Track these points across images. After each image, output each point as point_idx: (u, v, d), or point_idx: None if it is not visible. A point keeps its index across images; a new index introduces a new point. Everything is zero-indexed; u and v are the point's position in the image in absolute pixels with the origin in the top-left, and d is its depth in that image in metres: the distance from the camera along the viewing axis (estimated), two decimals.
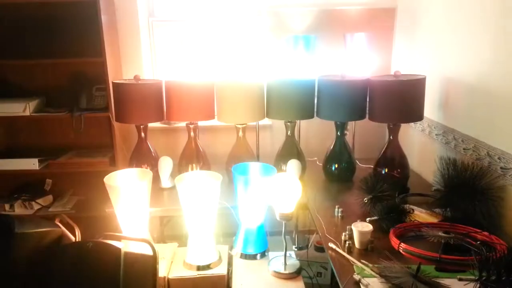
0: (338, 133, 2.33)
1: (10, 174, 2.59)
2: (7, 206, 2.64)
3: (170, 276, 1.92)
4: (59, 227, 1.85)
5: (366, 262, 1.48)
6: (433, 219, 1.80)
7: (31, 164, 2.57)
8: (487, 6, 1.79)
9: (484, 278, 1.23)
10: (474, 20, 1.89)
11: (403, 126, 2.24)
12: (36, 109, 2.60)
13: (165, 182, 2.34)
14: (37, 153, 2.67)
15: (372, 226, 1.62)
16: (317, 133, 2.76)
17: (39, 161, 2.58)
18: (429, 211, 1.89)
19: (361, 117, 2.22)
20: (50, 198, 2.74)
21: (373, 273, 1.42)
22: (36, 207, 2.66)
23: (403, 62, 2.65)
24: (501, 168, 1.72)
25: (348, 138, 2.42)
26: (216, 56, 2.87)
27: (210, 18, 2.83)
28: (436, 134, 2.27)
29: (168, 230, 2.81)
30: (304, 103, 2.24)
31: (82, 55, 2.57)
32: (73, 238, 1.88)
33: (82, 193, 2.80)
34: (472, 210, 1.73)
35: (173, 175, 2.30)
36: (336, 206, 1.93)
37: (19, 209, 2.65)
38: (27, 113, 2.52)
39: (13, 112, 2.49)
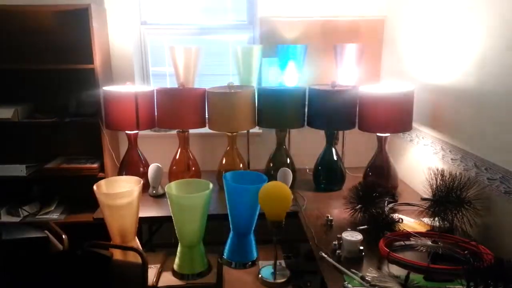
0: (328, 142, 2.35)
1: None
2: None
3: (159, 285, 1.91)
4: (47, 234, 1.83)
5: (356, 271, 1.49)
6: (421, 229, 1.82)
7: (19, 170, 2.54)
8: (474, 17, 1.84)
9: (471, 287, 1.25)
10: (462, 31, 1.93)
11: (392, 136, 2.27)
12: (25, 115, 2.58)
13: (155, 189, 2.33)
14: (25, 159, 2.64)
15: (362, 235, 1.63)
16: (307, 142, 2.78)
17: (26, 167, 2.55)
18: (418, 220, 1.92)
19: (351, 126, 2.25)
20: (37, 205, 2.70)
21: (362, 282, 1.42)
22: (23, 214, 2.62)
23: (392, 73, 2.69)
24: (488, 178, 1.75)
25: (338, 147, 2.44)
26: (209, 64, 2.88)
27: (202, 27, 2.84)
28: (424, 144, 2.30)
29: (157, 238, 2.79)
30: (294, 112, 2.26)
31: (73, 62, 2.56)
32: (60, 246, 1.85)
33: (70, 200, 2.77)
34: (460, 220, 1.75)
35: (163, 182, 2.30)
36: (326, 215, 1.94)
37: (5, 216, 2.61)
38: (16, 118, 2.49)
39: (1, 117, 2.46)
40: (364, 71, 2.70)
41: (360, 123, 2.21)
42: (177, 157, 2.41)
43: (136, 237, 1.96)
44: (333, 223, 1.91)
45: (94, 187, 1.85)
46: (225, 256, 2.00)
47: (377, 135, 2.23)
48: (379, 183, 2.12)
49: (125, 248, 1.85)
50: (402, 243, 1.65)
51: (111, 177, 1.99)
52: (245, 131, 2.56)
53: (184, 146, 2.40)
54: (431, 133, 2.23)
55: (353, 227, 1.81)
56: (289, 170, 2.25)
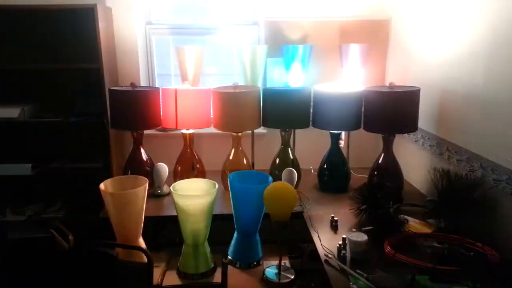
0: (333, 142, 2.35)
1: (3, 179, 2.56)
2: None
3: (164, 284, 1.91)
4: (52, 234, 1.84)
5: (361, 272, 1.49)
6: (426, 230, 1.81)
7: (24, 169, 2.55)
8: (481, 18, 1.83)
9: None
10: (468, 32, 1.93)
11: (397, 137, 2.27)
12: (31, 115, 2.59)
13: (160, 189, 2.34)
14: (31, 158, 2.65)
15: (367, 236, 1.62)
16: (312, 142, 2.77)
17: (32, 166, 2.56)
18: (423, 221, 1.91)
19: (356, 127, 2.24)
20: (42, 204, 2.71)
21: (368, 283, 1.42)
22: (28, 213, 2.63)
23: (397, 73, 2.68)
24: (494, 180, 1.74)
25: (343, 147, 2.43)
26: (211, 64, 2.88)
27: (207, 27, 2.84)
28: (430, 145, 2.29)
29: (162, 238, 2.79)
30: (299, 113, 2.25)
31: (78, 61, 2.57)
32: (66, 246, 1.86)
33: (75, 200, 2.77)
34: (466, 221, 1.74)
35: (168, 182, 2.30)
36: (331, 215, 1.94)
37: (11, 215, 2.62)
38: (22, 118, 2.51)
39: (8, 116, 2.48)
40: (370, 72, 2.70)
41: (365, 123, 2.21)
42: (182, 156, 2.41)
43: (141, 237, 1.96)
44: (338, 223, 1.91)
45: (101, 186, 1.85)
46: (229, 256, 2.00)
47: (382, 136, 2.22)
48: (384, 183, 2.12)
49: (130, 248, 1.85)
50: (407, 244, 1.65)
51: (117, 177, 1.99)
52: (250, 131, 2.56)
53: (189, 145, 2.40)
54: (437, 134, 2.22)
55: (358, 227, 1.81)
56: (294, 171, 2.25)
